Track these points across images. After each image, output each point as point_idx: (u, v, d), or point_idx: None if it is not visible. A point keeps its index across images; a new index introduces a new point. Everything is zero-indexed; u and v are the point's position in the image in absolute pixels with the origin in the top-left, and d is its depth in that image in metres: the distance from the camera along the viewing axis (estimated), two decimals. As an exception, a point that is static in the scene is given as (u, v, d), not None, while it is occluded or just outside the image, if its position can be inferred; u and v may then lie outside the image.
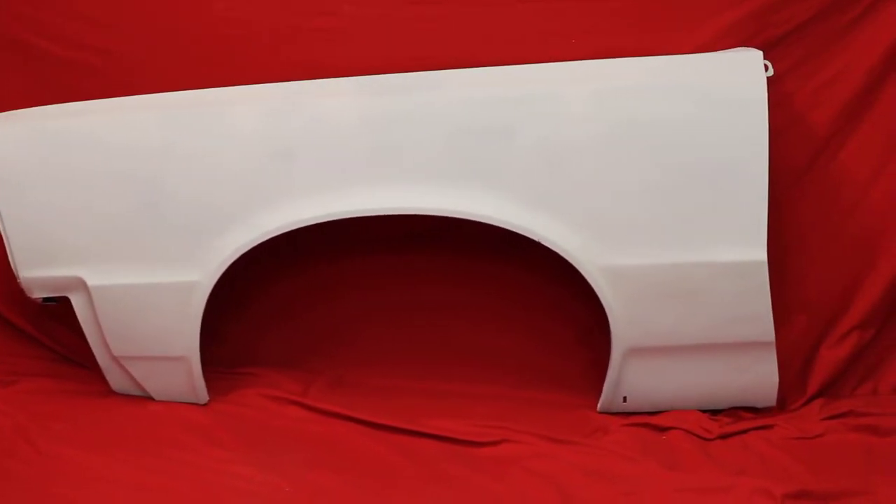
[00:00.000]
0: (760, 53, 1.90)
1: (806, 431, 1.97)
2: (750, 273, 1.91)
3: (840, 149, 2.11)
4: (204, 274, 1.99)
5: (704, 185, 1.89)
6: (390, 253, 2.29)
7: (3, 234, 2.02)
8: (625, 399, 2.06)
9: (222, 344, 2.30)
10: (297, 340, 2.33)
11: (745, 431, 1.98)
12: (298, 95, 1.98)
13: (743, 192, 1.88)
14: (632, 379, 2.02)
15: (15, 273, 2.05)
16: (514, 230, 1.93)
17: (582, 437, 1.97)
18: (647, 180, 1.90)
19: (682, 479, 1.81)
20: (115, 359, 2.11)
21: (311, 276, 2.32)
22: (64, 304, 2.09)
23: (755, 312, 1.94)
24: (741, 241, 1.90)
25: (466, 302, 2.30)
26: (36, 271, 2.04)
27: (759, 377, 2.01)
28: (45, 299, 2.10)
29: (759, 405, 2.07)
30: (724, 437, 1.96)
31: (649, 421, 2.01)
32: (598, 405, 2.08)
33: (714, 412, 2.06)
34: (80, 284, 2.03)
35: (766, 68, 1.88)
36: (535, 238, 1.92)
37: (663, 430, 1.99)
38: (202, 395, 2.10)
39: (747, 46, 2.03)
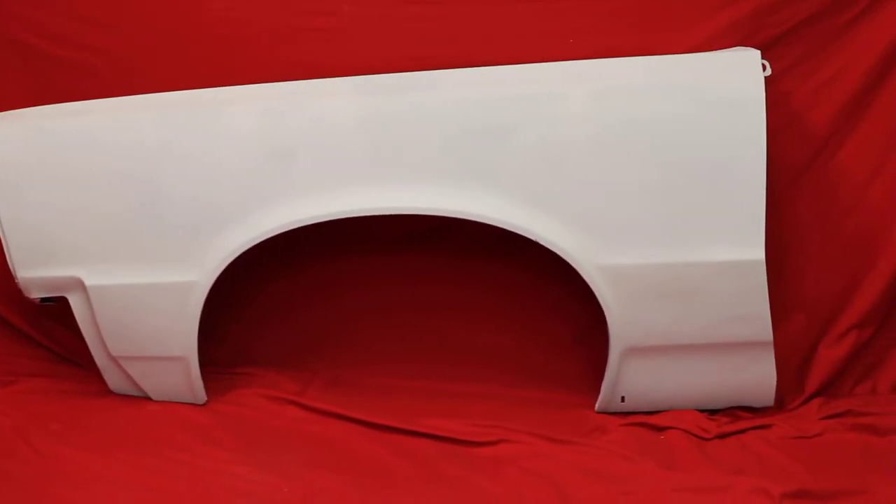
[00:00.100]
0: (758, 53, 1.90)
1: (804, 431, 1.97)
2: (748, 272, 1.91)
3: (838, 148, 2.12)
4: (202, 274, 1.99)
5: (702, 184, 1.89)
6: (388, 253, 2.29)
7: (0, 234, 2.02)
8: (623, 399, 2.05)
9: (220, 344, 2.30)
10: (295, 340, 2.33)
11: (742, 431, 1.98)
12: (296, 95, 1.98)
13: (741, 192, 1.88)
14: (630, 378, 2.02)
15: (13, 273, 2.05)
16: (512, 230, 1.93)
17: (580, 437, 1.97)
18: (644, 180, 1.90)
19: (680, 478, 1.81)
20: (113, 359, 2.11)
21: (308, 276, 2.32)
22: (62, 304, 2.09)
23: (753, 312, 1.94)
24: (739, 240, 1.90)
25: (464, 302, 2.30)
26: (34, 271, 2.04)
27: (757, 377, 2.01)
28: (43, 299, 2.10)
29: (757, 405, 2.07)
30: (721, 436, 1.96)
31: (647, 421, 2.01)
32: (596, 405, 2.08)
33: (712, 412, 2.06)
34: (78, 284, 2.03)
35: (764, 68, 1.88)
36: (533, 238, 1.92)
37: (661, 429, 1.99)
38: (200, 395, 2.10)
39: (745, 46, 2.03)
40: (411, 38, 2.16)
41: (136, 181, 1.98)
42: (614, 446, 1.92)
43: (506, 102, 1.92)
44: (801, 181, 2.13)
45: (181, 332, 2.03)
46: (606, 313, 1.96)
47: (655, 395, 2.05)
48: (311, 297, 2.33)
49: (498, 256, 2.23)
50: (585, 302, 2.00)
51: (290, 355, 2.30)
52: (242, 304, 2.34)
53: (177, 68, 2.20)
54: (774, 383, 2.02)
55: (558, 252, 1.92)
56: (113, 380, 2.16)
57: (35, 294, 2.08)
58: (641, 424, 2.00)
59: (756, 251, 1.89)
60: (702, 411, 2.04)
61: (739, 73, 1.88)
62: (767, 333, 1.96)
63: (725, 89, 1.88)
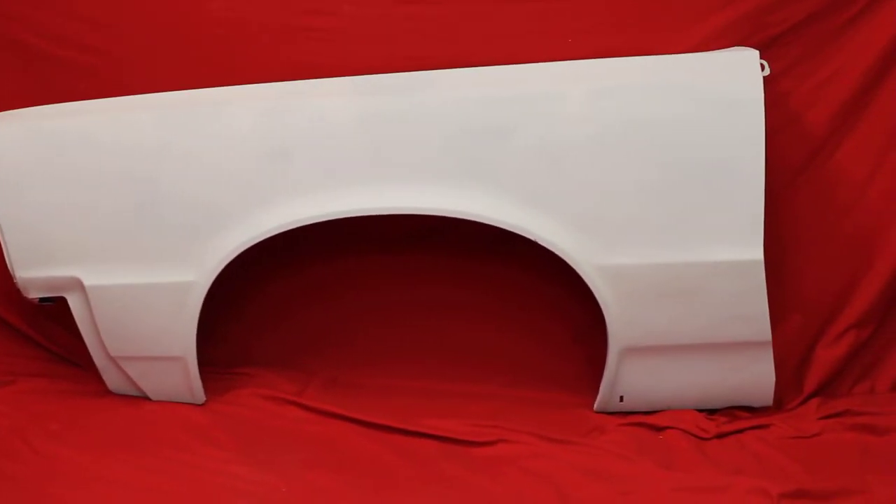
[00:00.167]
0: (757, 53, 1.90)
1: (802, 431, 1.97)
2: (746, 272, 1.91)
3: (836, 148, 2.12)
4: (200, 274, 1.99)
5: (701, 184, 1.89)
6: (386, 252, 2.29)
7: (-1, 234, 2.03)
8: (621, 398, 2.06)
9: (219, 344, 2.30)
10: (294, 340, 2.33)
11: (741, 431, 1.98)
12: (295, 95, 1.98)
13: (739, 192, 1.88)
14: (628, 378, 2.02)
15: (11, 273, 2.05)
16: (511, 229, 1.93)
17: (578, 437, 1.97)
18: (643, 180, 1.90)
19: (679, 478, 1.81)
20: (111, 359, 2.11)
21: (307, 276, 2.32)
22: (60, 304, 2.09)
23: (752, 312, 1.94)
24: (738, 240, 1.90)
25: (463, 301, 2.30)
26: (32, 271, 2.04)
27: (756, 376, 2.02)
28: (42, 299, 2.10)
29: (755, 405, 2.07)
30: (720, 436, 1.96)
31: (646, 420, 2.01)
32: (595, 405, 2.08)
33: (711, 412, 2.06)
34: (77, 284, 2.03)
35: (763, 68, 1.88)
36: (532, 237, 1.93)
37: (660, 429, 1.99)
38: (199, 395, 2.10)
39: (744, 46, 2.03)
40: (411, 38, 2.16)
41: (135, 181, 1.98)
42: (613, 446, 1.92)
43: (505, 102, 1.92)
44: (799, 181, 2.13)
45: (180, 332, 2.03)
46: (605, 313, 1.96)
47: (654, 395, 2.05)
48: (310, 296, 2.33)
49: (496, 256, 2.23)
50: (584, 302, 2.00)
51: (289, 355, 2.30)
52: (241, 304, 2.34)
53: (176, 68, 2.20)
54: (773, 383, 2.02)
55: (557, 252, 1.92)
56: (112, 380, 2.16)
57: (34, 294, 2.08)
58: (640, 424, 2.01)
59: (755, 251, 1.89)
60: (700, 411, 2.04)
61: (738, 73, 1.88)
62: (766, 333, 1.96)
63: (724, 89, 1.88)
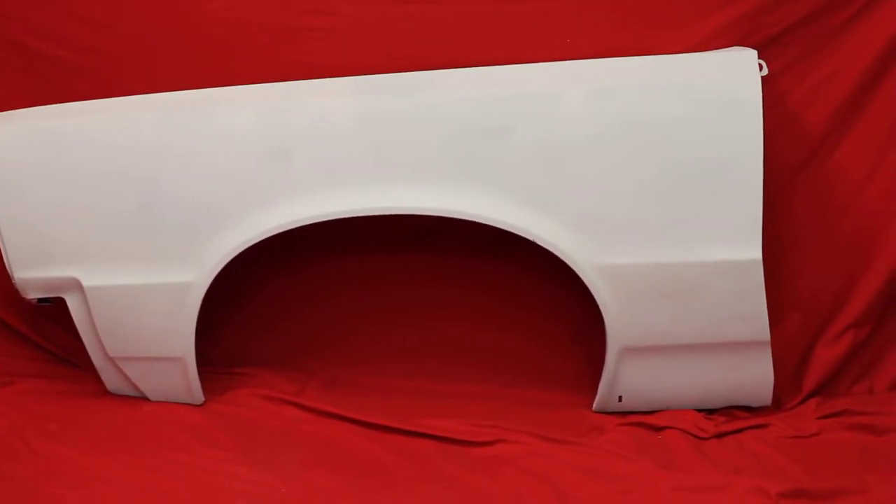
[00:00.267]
0: (755, 53, 1.90)
1: (801, 430, 1.98)
2: (745, 272, 1.91)
3: (835, 148, 2.12)
4: (199, 274, 1.99)
5: (699, 184, 1.90)
6: (385, 252, 2.29)
7: (-2, 234, 2.03)
8: (620, 398, 2.06)
9: (218, 344, 2.30)
10: (293, 340, 2.33)
11: (740, 430, 1.98)
12: (294, 95, 1.98)
13: (738, 192, 1.88)
14: (627, 378, 2.02)
15: (10, 274, 2.05)
16: (510, 230, 1.93)
17: (577, 437, 1.97)
18: (641, 180, 1.90)
19: (678, 478, 1.81)
20: (110, 359, 2.10)
21: (305, 276, 2.32)
22: (59, 304, 2.09)
23: (750, 311, 1.94)
24: (736, 240, 1.90)
25: (462, 301, 2.30)
26: (31, 272, 2.04)
27: (755, 376, 2.02)
28: (41, 300, 2.10)
29: (754, 404, 2.07)
30: (719, 436, 1.96)
31: (645, 420, 2.02)
32: (594, 404, 2.08)
33: (709, 411, 2.06)
34: (76, 285, 2.03)
35: (761, 68, 1.88)
36: (531, 237, 1.93)
37: (659, 429, 1.99)
38: (197, 395, 2.10)
39: (742, 46, 2.04)
40: (410, 38, 2.16)
41: (135, 181, 1.98)
42: (612, 446, 1.92)
43: (504, 102, 1.92)
44: (797, 180, 2.13)
45: (179, 333, 2.03)
46: (604, 313, 1.96)
47: (653, 395, 2.05)
48: (309, 296, 2.33)
49: (496, 256, 2.23)
50: (583, 302, 2.00)
51: (287, 355, 2.30)
52: (240, 305, 2.34)
53: (176, 68, 2.20)
54: (772, 383, 2.02)
55: (556, 252, 1.93)
56: (110, 380, 2.16)
57: (32, 294, 2.08)
58: (639, 424, 2.01)
59: (753, 251, 1.90)
60: (699, 411, 2.05)
61: (736, 73, 1.89)
62: (765, 333, 1.96)
63: (722, 89, 1.89)
